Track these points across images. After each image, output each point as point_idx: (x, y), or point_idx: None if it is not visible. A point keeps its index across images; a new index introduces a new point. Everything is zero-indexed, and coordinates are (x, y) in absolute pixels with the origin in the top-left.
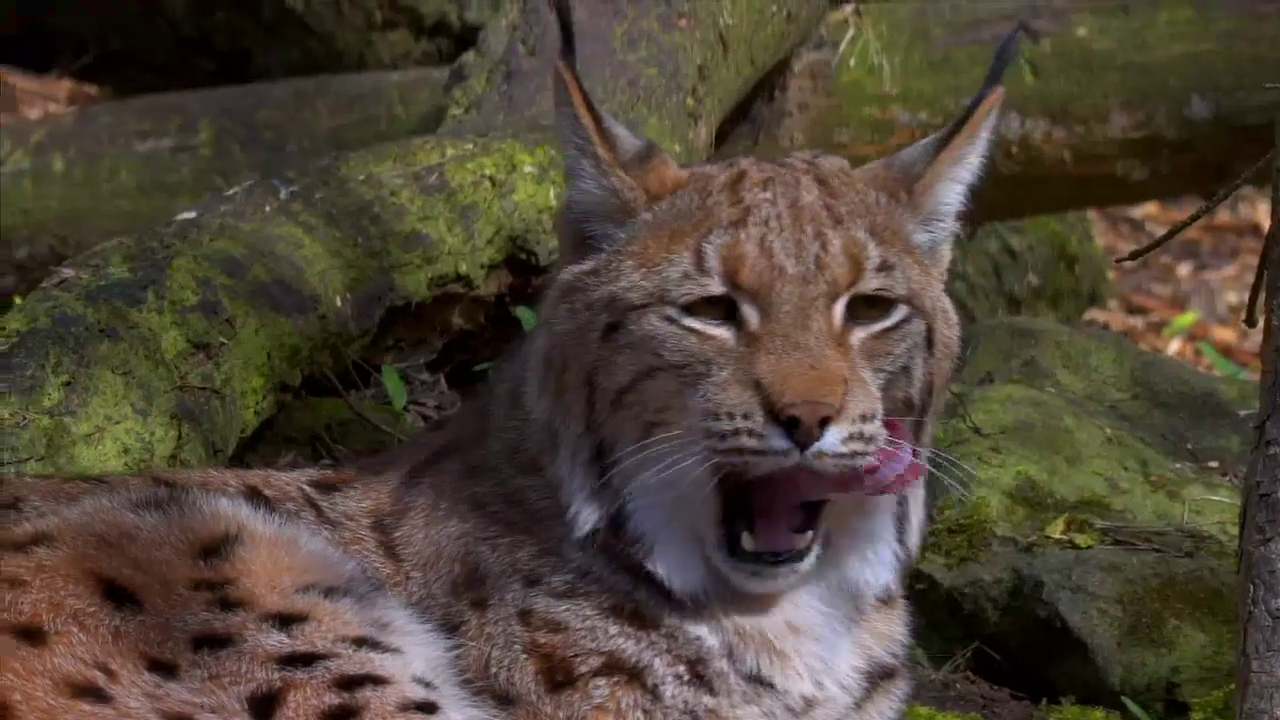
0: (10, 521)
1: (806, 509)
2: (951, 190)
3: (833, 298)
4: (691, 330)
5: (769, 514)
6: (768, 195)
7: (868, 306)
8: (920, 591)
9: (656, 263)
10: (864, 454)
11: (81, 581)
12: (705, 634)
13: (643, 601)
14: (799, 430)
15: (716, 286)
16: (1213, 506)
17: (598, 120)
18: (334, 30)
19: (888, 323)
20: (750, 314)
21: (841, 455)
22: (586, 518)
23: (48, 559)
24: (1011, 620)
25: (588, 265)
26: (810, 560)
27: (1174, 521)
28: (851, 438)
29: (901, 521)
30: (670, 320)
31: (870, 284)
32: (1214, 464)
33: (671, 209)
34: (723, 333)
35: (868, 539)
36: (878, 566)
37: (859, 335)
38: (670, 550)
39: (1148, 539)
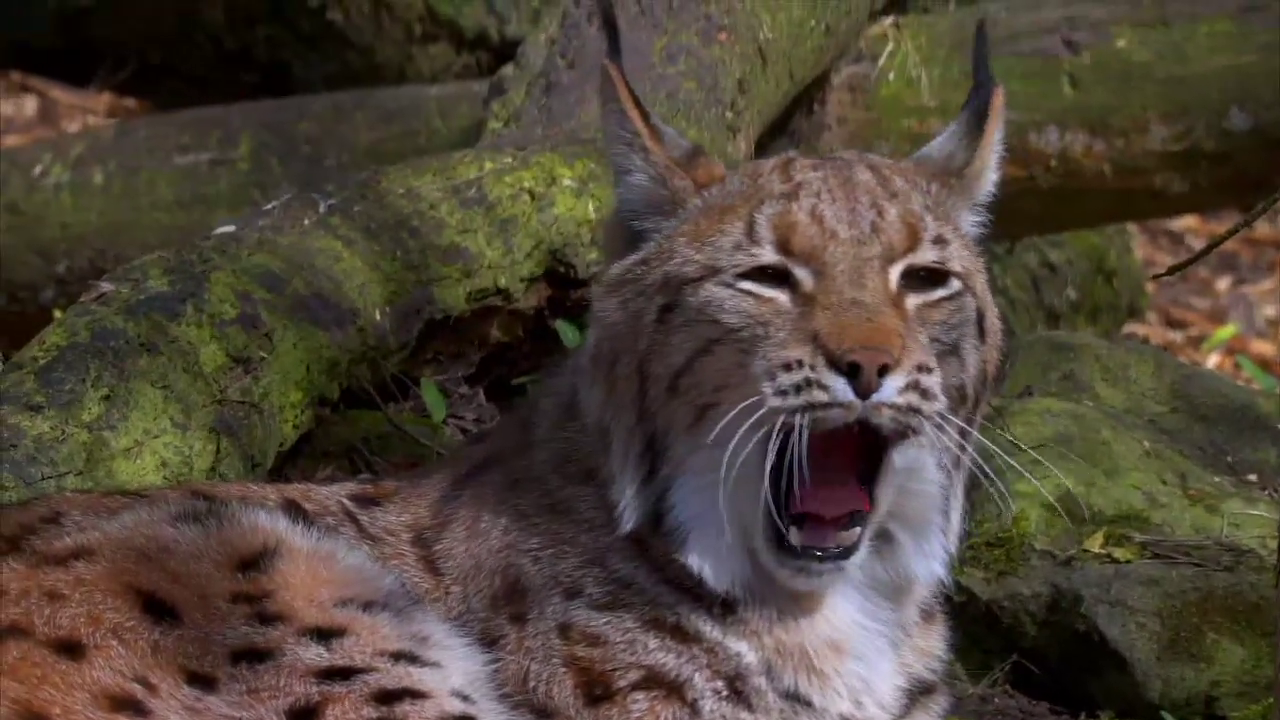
0: (50, 535)
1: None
2: (994, 176)
3: (888, 261)
4: (747, 292)
5: (817, 509)
6: (819, 174)
7: (922, 280)
8: (959, 605)
9: (709, 236)
10: (919, 411)
11: (121, 595)
12: (745, 650)
13: (684, 615)
14: (859, 379)
15: (769, 255)
16: (1252, 520)
17: (645, 115)
18: (374, 43)
19: (943, 292)
20: (805, 277)
21: (899, 407)
22: (632, 513)
23: (87, 573)
24: (1050, 634)
25: (638, 255)
26: (858, 558)
27: (1213, 535)
28: (909, 388)
29: (945, 519)
30: (726, 285)
31: (927, 255)
32: (1253, 477)
33: (722, 191)
34: (778, 294)
35: (922, 533)
36: (931, 560)
37: (914, 301)
38: (708, 543)
39: (1186, 553)
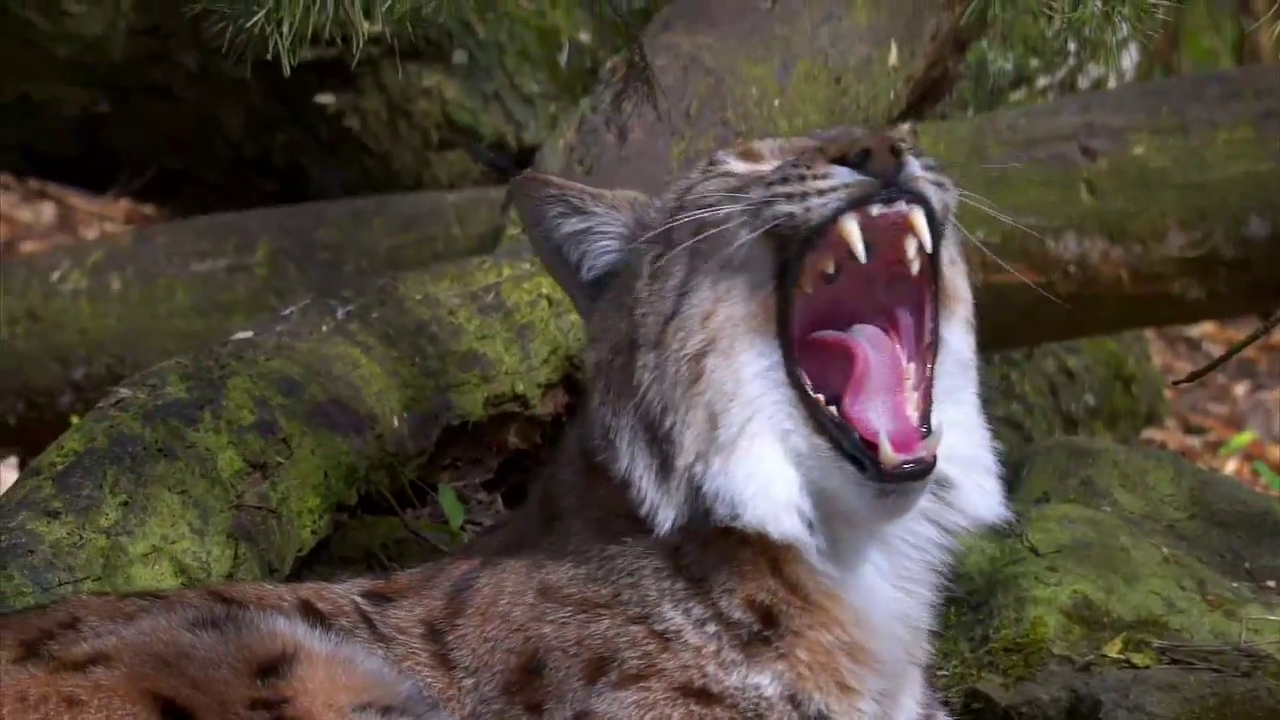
0: (68, 641)
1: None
2: None
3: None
4: (731, 170)
5: (868, 392)
6: None
7: None
8: (976, 711)
9: (675, 192)
10: (948, 189)
11: (139, 701)
12: (765, 683)
13: (711, 675)
14: (872, 161)
15: (737, 166)
16: (1270, 626)
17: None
18: (391, 150)
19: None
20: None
21: (930, 180)
22: (664, 511)
23: (105, 679)
24: None
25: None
26: (932, 474)
27: (1231, 641)
28: (932, 169)
29: (992, 461)
30: (705, 178)
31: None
32: (1271, 583)
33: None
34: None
35: (977, 466)
36: (992, 498)
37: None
38: (763, 495)
39: (1205, 658)
